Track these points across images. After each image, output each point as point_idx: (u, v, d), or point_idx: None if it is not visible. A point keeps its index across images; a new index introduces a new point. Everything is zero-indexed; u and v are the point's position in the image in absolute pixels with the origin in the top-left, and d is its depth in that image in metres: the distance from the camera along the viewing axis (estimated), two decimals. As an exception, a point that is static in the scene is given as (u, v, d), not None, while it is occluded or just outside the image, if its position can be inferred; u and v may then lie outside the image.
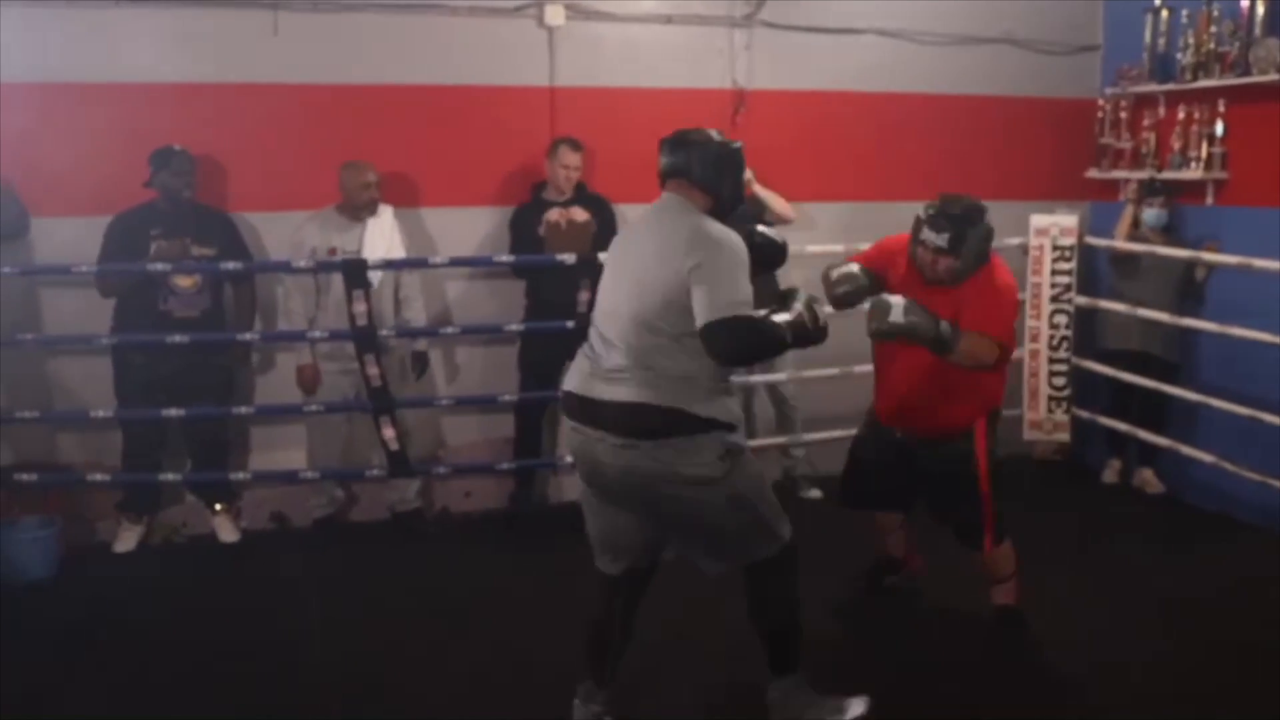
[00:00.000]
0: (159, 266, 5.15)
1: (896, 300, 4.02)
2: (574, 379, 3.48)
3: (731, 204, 3.56)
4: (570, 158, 5.75)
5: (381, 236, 5.55)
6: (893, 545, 4.89)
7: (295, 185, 5.67)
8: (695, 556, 3.57)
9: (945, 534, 4.50)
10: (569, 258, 5.40)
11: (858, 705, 3.69)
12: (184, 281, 5.34)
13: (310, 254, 5.43)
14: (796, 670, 3.67)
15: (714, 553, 3.55)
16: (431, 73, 5.83)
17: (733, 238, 3.38)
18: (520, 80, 5.97)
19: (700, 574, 3.61)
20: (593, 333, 3.50)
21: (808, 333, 3.46)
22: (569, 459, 5.50)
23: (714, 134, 3.57)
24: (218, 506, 5.61)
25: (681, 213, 3.44)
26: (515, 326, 5.71)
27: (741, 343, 3.23)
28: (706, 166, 3.49)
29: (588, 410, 3.41)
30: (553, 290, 5.69)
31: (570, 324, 5.35)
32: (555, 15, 5.94)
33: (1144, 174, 6.38)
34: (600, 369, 3.40)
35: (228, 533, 5.61)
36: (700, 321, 3.21)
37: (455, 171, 5.91)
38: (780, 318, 3.41)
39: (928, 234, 4.16)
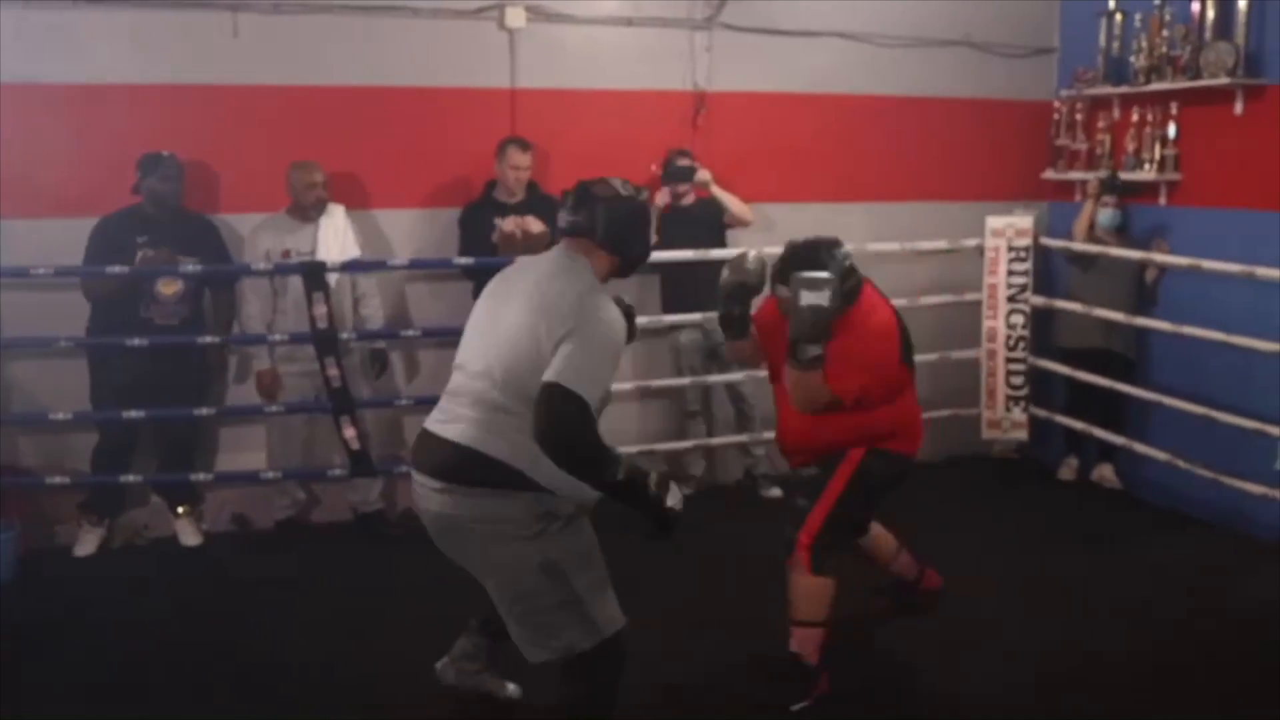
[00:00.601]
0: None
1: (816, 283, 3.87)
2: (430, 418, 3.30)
3: (637, 263, 3.35)
4: (519, 158, 5.75)
5: (335, 236, 5.54)
6: (901, 568, 4.75)
7: (257, 187, 5.66)
8: (513, 633, 3.24)
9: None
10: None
11: None
12: (166, 290, 5.34)
13: (265, 257, 5.44)
14: None
15: (527, 627, 3.20)
16: (392, 74, 5.83)
17: (615, 322, 3.10)
18: (481, 82, 5.99)
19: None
20: (456, 374, 3.30)
21: (641, 494, 3.03)
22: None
23: (620, 186, 3.28)
24: (180, 509, 5.60)
25: (573, 277, 3.17)
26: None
27: (566, 425, 2.89)
28: (613, 226, 3.23)
29: (423, 447, 3.24)
30: None
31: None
32: (516, 18, 5.96)
33: (1103, 172, 6.46)
34: (450, 410, 3.23)
35: (190, 535, 5.60)
36: (545, 378, 2.94)
37: (415, 173, 5.93)
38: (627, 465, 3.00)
39: (780, 290, 4.00)
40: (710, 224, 6.10)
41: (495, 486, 3.08)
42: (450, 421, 3.18)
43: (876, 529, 4.63)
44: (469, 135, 5.95)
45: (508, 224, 5.60)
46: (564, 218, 3.28)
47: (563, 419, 2.89)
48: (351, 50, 5.76)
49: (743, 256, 4.25)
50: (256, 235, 5.52)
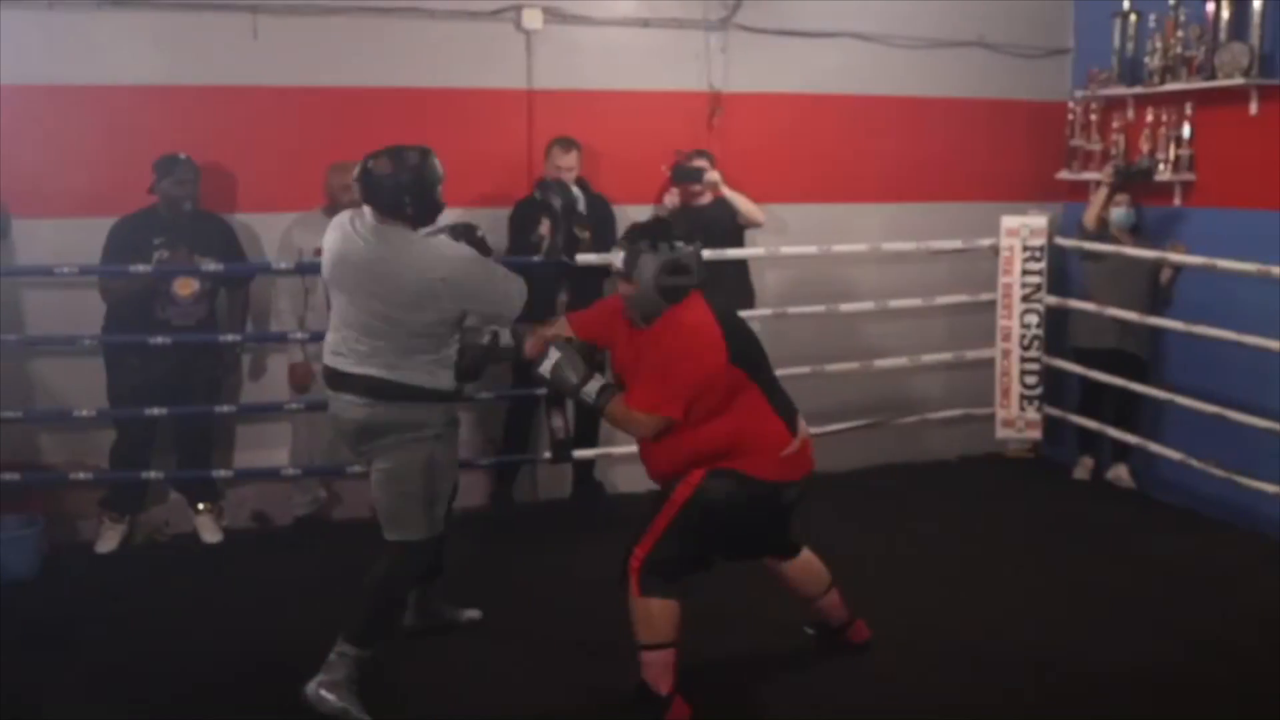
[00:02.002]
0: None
1: (553, 351, 3.87)
2: (327, 357, 3.94)
3: (427, 217, 3.94)
4: (562, 158, 5.80)
5: None
6: (825, 608, 4.32)
7: (277, 187, 5.72)
8: (380, 513, 3.97)
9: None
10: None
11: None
12: (183, 291, 5.39)
13: (298, 255, 5.49)
14: (364, 648, 3.88)
15: (385, 508, 3.94)
16: (410, 76, 5.87)
17: (463, 250, 3.92)
18: (498, 83, 6.03)
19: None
20: (340, 327, 3.90)
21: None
22: (546, 455, 5.65)
23: (387, 161, 3.84)
24: (201, 506, 5.64)
25: (401, 237, 3.84)
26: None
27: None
28: (385, 197, 3.83)
29: (337, 380, 3.89)
30: (536, 290, 5.72)
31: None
32: (533, 19, 6.00)
33: (1119, 162, 6.48)
34: (348, 351, 3.85)
35: (210, 532, 5.64)
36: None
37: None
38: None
39: (612, 256, 3.91)
40: (725, 224, 6.13)
41: (409, 400, 3.84)
42: (363, 360, 3.89)
43: (807, 557, 4.23)
44: (486, 136, 5.99)
45: (545, 227, 5.66)
46: (360, 194, 3.93)
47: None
48: (370, 52, 5.81)
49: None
50: (290, 232, 5.58)
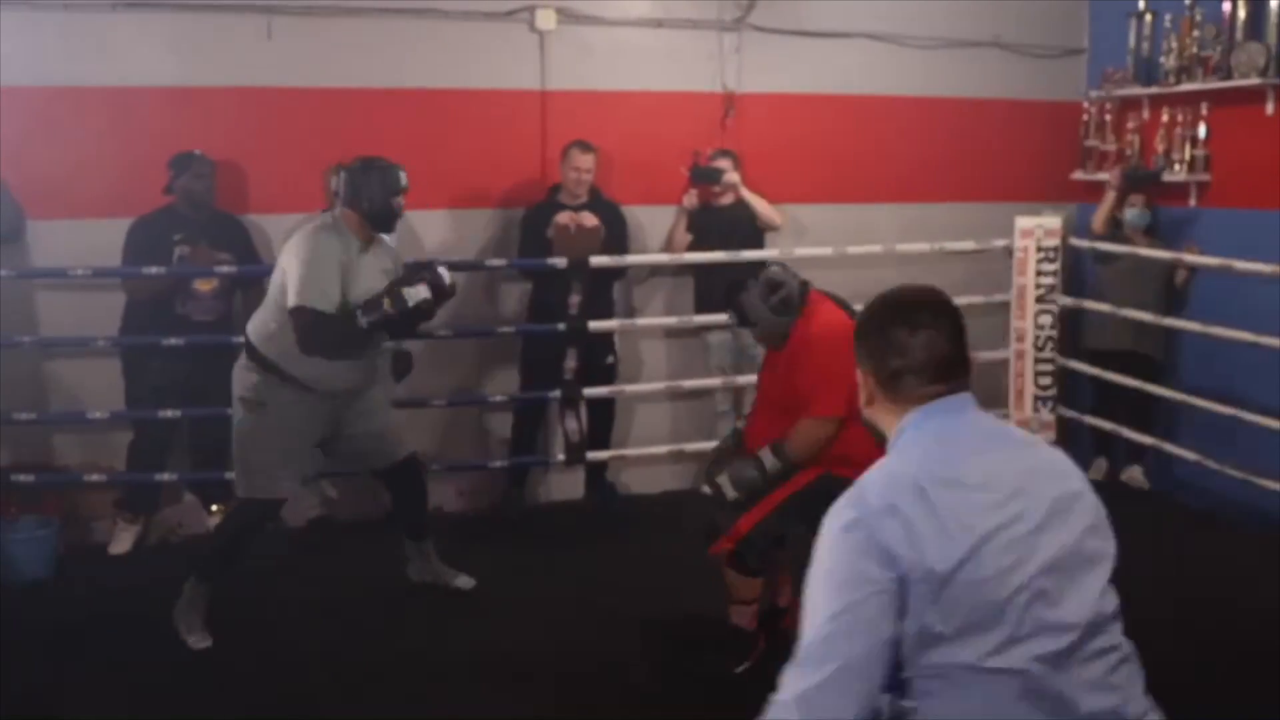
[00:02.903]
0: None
1: (724, 480, 4.00)
2: None
3: (376, 215, 4.36)
4: (580, 160, 5.80)
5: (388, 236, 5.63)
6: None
7: (290, 188, 5.72)
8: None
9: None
10: (560, 261, 5.54)
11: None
12: (203, 286, 5.40)
13: None
14: (206, 581, 4.45)
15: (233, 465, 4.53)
16: (424, 76, 5.88)
17: (316, 243, 4.23)
18: (512, 84, 6.03)
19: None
20: None
21: (395, 320, 4.31)
22: (560, 457, 5.66)
23: (363, 161, 4.41)
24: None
25: (311, 224, 4.40)
26: (506, 329, 5.77)
27: (310, 330, 4.16)
28: (345, 188, 4.35)
29: None
30: (549, 291, 5.76)
31: (562, 326, 5.45)
32: (547, 20, 6.00)
33: (1131, 165, 6.49)
34: None
35: None
36: (288, 304, 4.18)
37: (448, 174, 5.93)
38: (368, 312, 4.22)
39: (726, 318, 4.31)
40: (745, 226, 6.13)
41: (247, 359, 4.38)
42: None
43: None
44: (500, 136, 6.00)
45: (563, 217, 5.72)
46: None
47: (305, 332, 4.17)
48: (383, 53, 5.81)
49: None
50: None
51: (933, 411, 2.10)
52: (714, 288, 5.95)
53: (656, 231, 6.27)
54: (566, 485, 6.22)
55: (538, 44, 6.05)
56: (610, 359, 5.94)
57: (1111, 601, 2.04)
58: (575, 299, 5.55)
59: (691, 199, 6.10)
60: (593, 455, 5.85)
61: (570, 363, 5.66)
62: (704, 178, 6.09)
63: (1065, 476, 2.08)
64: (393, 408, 4.96)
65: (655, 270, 6.30)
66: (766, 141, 6.34)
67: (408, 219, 5.83)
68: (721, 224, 6.08)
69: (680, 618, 4.58)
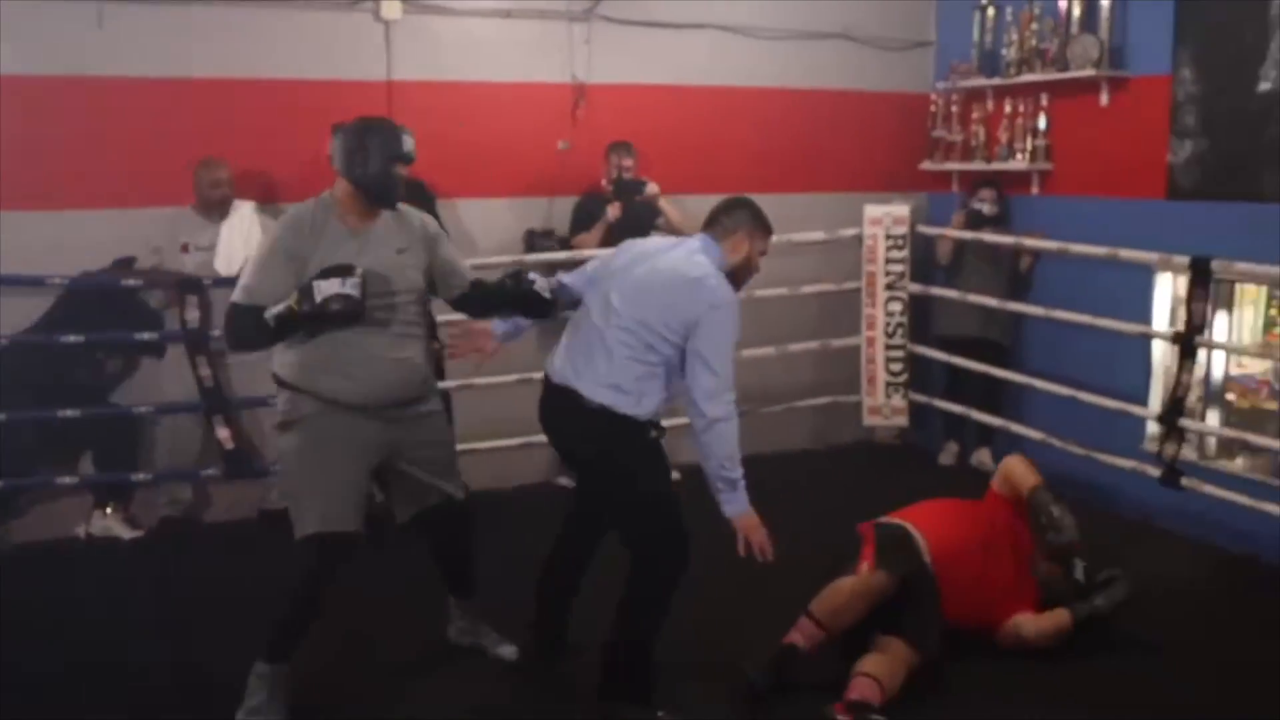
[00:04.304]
0: None
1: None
2: None
3: (371, 185, 3.66)
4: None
5: (239, 233, 5.48)
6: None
7: (126, 181, 5.53)
8: None
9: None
10: None
11: None
12: None
13: (160, 254, 5.41)
14: (278, 660, 3.68)
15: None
16: (264, 66, 5.73)
17: (271, 232, 3.73)
18: (357, 75, 5.91)
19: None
20: None
21: (294, 316, 3.53)
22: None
23: (362, 121, 3.71)
24: (108, 509, 5.55)
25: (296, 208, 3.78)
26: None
27: (226, 327, 3.70)
28: (338, 154, 3.67)
29: None
30: None
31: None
32: (391, 9, 5.91)
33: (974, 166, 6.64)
34: None
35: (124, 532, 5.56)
36: None
37: (290, 169, 5.77)
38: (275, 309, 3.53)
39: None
40: (648, 226, 6.19)
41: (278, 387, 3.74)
42: None
43: None
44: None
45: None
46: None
47: (227, 327, 3.68)
48: (222, 42, 5.65)
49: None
50: (150, 227, 5.46)
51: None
52: None
53: (507, 224, 6.22)
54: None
55: (383, 34, 5.95)
56: (436, 345, 5.85)
57: None
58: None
59: (615, 211, 6.07)
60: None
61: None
62: (628, 190, 6.10)
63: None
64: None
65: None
66: (617, 133, 6.30)
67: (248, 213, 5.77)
68: (629, 224, 6.09)
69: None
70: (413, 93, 5.99)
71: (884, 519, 4.30)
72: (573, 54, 6.32)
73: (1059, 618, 4.22)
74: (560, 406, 3.77)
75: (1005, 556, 4.27)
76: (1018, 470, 4.44)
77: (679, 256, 3.73)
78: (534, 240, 6.23)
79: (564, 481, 6.39)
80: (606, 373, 3.64)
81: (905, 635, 3.86)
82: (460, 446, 5.84)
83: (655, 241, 4.06)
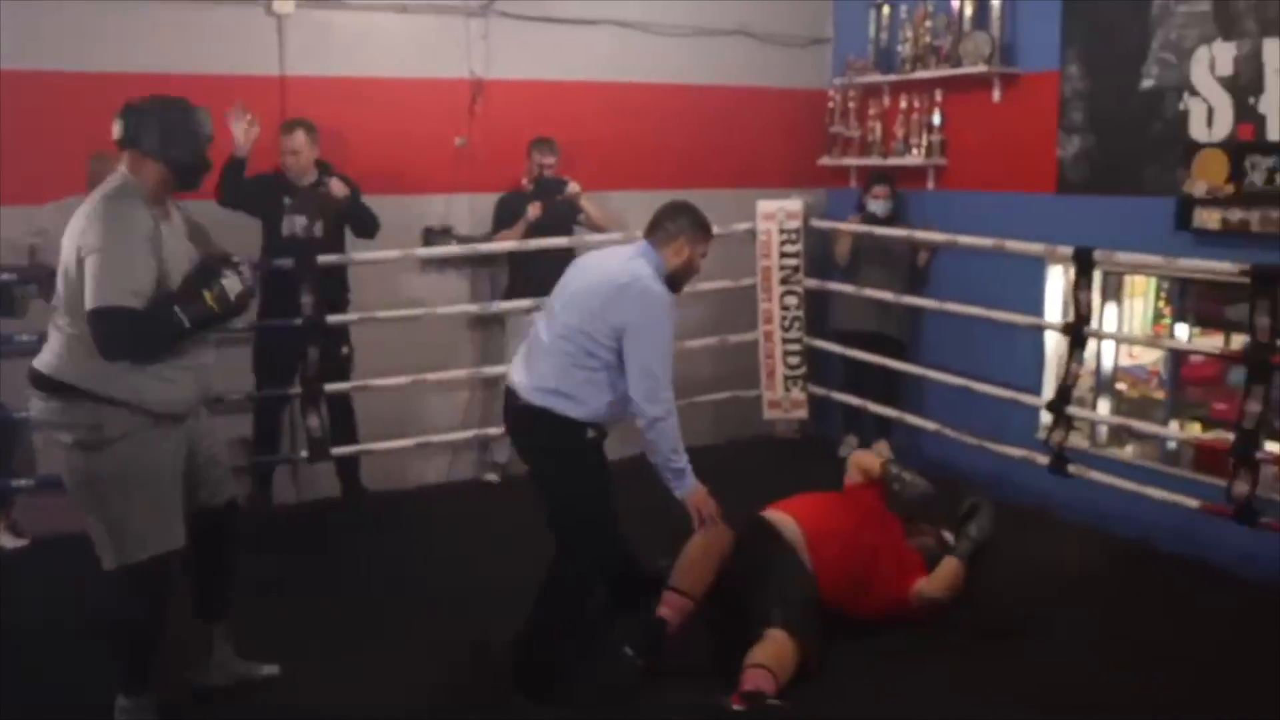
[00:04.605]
0: None
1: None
2: None
3: (192, 167, 3.51)
4: (286, 141, 5.61)
5: None
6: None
7: (18, 177, 5.35)
8: None
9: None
10: (285, 262, 5.47)
11: None
12: None
13: (39, 234, 5.18)
14: (141, 693, 3.52)
15: (92, 532, 3.45)
16: (153, 60, 5.57)
17: (125, 220, 3.32)
18: (249, 69, 5.82)
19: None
20: None
21: (214, 316, 3.41)
22: (303, 454, 5.48)
23: (161, 100, 3.53)
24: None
25: (102, 191, 3.40)
26: (241, 327, 5.50)
27: (121, 336, 3.26)
28: (149, 132, 3.43)
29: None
30: (281, 289, 5.57)
31: (299, 321, 5.34)
32: (284, 4, 5.82)
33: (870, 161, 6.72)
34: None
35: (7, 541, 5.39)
36: (86, 306, 3.25)
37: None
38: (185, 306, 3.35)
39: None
40: (569, 224, 6.22)
41: (61, 399, 3.34)
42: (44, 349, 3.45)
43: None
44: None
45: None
46: (114, 129, 3.46)
47: (112, 337, 3.24)
48: (110, 35, 5.52)
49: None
50: (36, 219, 5.24)
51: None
52: (531, 276, 5.95)
53: (404, 221, 6.15)
54: (320, 482, 6.06)
55: (275, 28, 5.87)
56: (345, 350, 5.80)
57: None
58: (308, 299, 5.39)
59: (535, 210, 6.04)
60: (338, 451, 5.70)
61: (311, 358, 5.49)
62: (549, 190, 6.09)
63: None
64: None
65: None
66: (516, 129, 6.29)
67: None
68: (550, 223, 6.09)
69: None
70: (307, 88, 5.92)
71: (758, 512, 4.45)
72: (470, 49, 6.29)
73: (949, 566, 4.39)
74: (511, 408, 4.00)
75: (881, 535, 4.44)
76: (864, 458, 4.79)
77: (614, 265, 3.94)
78: (431, 238, 6.20)
79: (491, 478, 6.39)
80: (549, 377, 3.86)
81: (784, 626, 3.92)
82: (358, 448, 5.88)
83: (602, 252, 4.26)
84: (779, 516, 4.38)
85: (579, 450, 3.90)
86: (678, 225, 4.03)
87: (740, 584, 4.12)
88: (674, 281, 3.99)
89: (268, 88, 5.85)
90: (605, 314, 3.79)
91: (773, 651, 3.84)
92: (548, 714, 3.77)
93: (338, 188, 5.61)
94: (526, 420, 3.93)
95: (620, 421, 3.96)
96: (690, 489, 3.99)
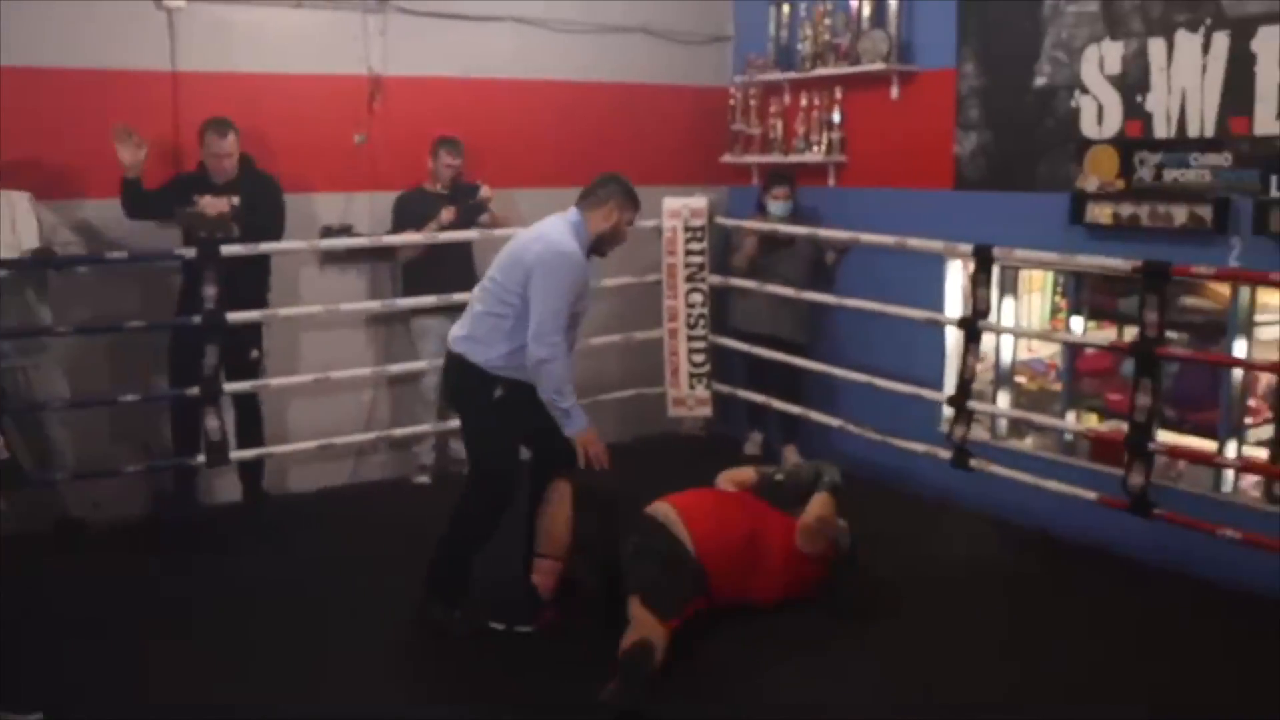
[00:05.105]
0: None
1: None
2: None
3: None
4: (215, 144, 5.51)
5: (5, 225, 5.17)
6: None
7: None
8: None
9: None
10: (188, 252, 5.35)
11: None
12: None
13: None
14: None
15: None
16: (36, 54, 5.41)
17: None
18: (138, 64, 5.66)
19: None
20: None
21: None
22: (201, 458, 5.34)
23: None
24: None
25: None
26: (135, 324, 5.38)
27: None
28: None
29: None
30: (190, 283, 5.45)
31: (197, 319, 5.21)
32: (174, -2, 5.69)
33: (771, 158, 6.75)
34: None
35: None
36: None
37: (64, 161, 5.53)
38: None
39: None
40: (472, 223, 6.18)
41: None
42: None
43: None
44: (129, 119, 5.52)
45: (206, 200, 5.49)
46: None
47: None
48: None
49: None
50: None
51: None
52: (426, 273, 6.01)
53: (301, 220, 6.01)
54: (229, 487, 5.93)
55: (165, 22, 5.71)
56: (255, 353, 5.69)
57: None
58: (210, 290, 5.26)
59: (449, 214, 6.00)
60: (237, 455, 5.57)
61: (210, 359, 5.34)
62: (463, 194, 6.13)
63: None
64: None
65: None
66: (414, 126, 6.23)
67: (67, 209, 5.55)
68: (457, 223, 6.06)
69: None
70: (200, 84, 5.78)
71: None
72: (368, 45, 6.20)
73: (819, 501, 4.61)
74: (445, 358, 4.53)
75: (757, 505, 4.70)
76: (736, 474, 4.99)
77: (539, 227, 4.39)
78: (330, 236, 6.09)
79: (422, 480, 6.35)
80: (466, 324, 4.38)
81: (648, 605, 4.08)
82: (262, 450, 5.76)
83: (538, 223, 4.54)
84: (655, 507, 4.60)
85: (485, 394, 4.29)
86: (608, 191, 4.40)
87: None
88: (600, 244, 4.43)
89: (158, 83, 5.70)
90: (518, 262, 4.23)
91: (645, 630, 3.99)
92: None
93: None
94: (447, 365, 4.46)
95: (523, 372, 4.23)
96: (579, 429, 4.29)
